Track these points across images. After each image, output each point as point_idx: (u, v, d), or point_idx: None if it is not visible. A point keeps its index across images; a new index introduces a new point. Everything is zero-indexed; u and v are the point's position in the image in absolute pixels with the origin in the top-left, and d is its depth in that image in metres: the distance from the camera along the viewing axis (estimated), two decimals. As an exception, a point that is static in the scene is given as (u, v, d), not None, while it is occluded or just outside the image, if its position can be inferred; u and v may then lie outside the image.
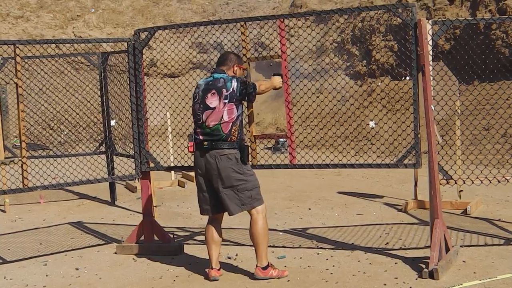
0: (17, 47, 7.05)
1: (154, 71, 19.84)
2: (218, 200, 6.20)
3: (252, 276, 6.22)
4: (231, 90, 6.18)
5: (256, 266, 6.18)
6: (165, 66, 18.76)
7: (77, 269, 6.89)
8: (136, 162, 7.39)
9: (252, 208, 6.18)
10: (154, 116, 8.53)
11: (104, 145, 9.79)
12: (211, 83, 6.26)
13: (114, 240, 7.91)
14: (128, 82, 7.51)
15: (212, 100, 6.17)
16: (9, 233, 8.68)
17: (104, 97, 9.56)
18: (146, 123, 7.43)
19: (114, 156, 9.39)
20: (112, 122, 8.82)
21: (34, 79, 11.74)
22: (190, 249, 7.37)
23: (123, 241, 7.47)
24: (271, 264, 6.22)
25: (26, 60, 10.84)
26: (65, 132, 16.72)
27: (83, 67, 18.04)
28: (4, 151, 10.14)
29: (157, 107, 8.12)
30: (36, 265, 7.09)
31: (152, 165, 7.44)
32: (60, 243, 7.94)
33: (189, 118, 8.84)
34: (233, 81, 6.22)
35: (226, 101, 6.15)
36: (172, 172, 11.69)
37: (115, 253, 7.38)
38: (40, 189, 7.27)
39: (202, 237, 7.85)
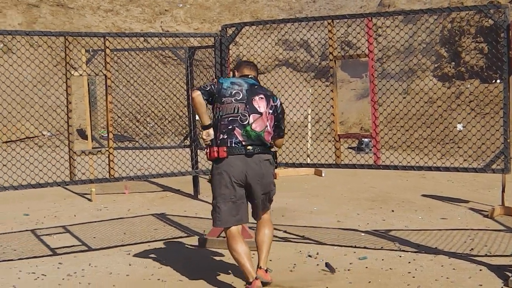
0: (107, 39, 7.19)
1: (240, 67, 19.96)
2: (245, 207, 5.97)
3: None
4: (277, 104, 6.04)
5: (260, 268, 5.95)
6: (250, 62, 18.89)
7: (159, 260, 6.99)
8: (221, 157, 7.43)
9: (267, 211, 6.16)
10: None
11: (189, 139, 9.90)
12: (258, 87, 6.05)
13: (196, 233, 7.99)
14: (214, 77, 7.56)
15: (261, 105, 5.93)
16: (94, 222, 8.86)
17: (190, 91, 9.65)
18: (231, 118, 7.46)
19: (198, 150, 9.49)
20: (198, 117, 8.89)
21: (123, 71, 11.93)
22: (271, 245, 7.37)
23: (205, 235, 7.53)
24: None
25: (115, 53, 11.02)
26: (151, 125, 16.99)
27: (170, 61, 18.28)
28: (92, 141, 10.38)
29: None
30: (119, 254, 7.22)
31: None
32: (144, 234, 8.06)
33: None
34: (276, 98, 6.08)
35: (271, 111, 5.97)
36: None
37: (197, 246, 7.46)
38: (126, 180, 7.40)
39: (284, 234, 7.86)
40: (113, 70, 9.49)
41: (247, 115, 5.84)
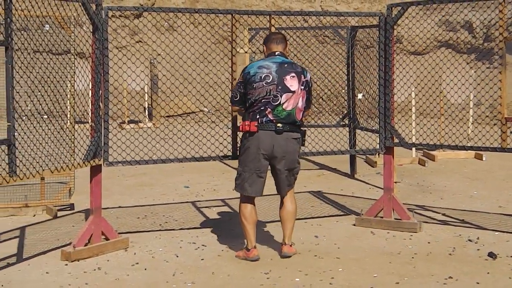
0: (273, 17, 7.26)
1: (398, 47, 19.64)
2: (264, 181, 6.33)
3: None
4: (308, 78, 6.32)
5: (285, 243, 6.34)
6: (408, 43, 18.52)
7: (316, 236, 7.05)
8: (381, 137, 7.39)
9: (291, 188, 6.44)
10: (399, 93, 8.45)
11: (347, 118, 9.86)
12: (287, 66, 6.24)
13: (353, 212, 7.98)
14: (377, 57, 7.48)
15: (292, 83, 6.17)
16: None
17: (350, 71, 9.59)
18: (392, 99, 7.39)
19: (356, 130, 9.44)
20: (359, 96, 8.84)
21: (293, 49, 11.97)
22: (429, 227, 7.27)
23: (362, 214, 7.52)
24: None
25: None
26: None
27: (328, 40, 18.24)
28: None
29: (398, 83, 8.03)
30: (276, 229, 7.31)
31: (396, 140, 7.40)
32: (300, 210, 8.09)
33: (431, 96, 8.70)
34: (306, 72, 6.35)
35: (303, 87, 6.24)
36: (413, 149, 11.54)
37: (354, 225, 7.45)
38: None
39: (442, 217, 7.72)
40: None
41: (279, 95, 6.11)
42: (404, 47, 19.51)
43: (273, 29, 7.10)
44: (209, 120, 16.43)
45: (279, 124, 6.12)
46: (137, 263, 6.22)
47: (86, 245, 6.37)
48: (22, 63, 5.85)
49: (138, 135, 7.25)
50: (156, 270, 6.02)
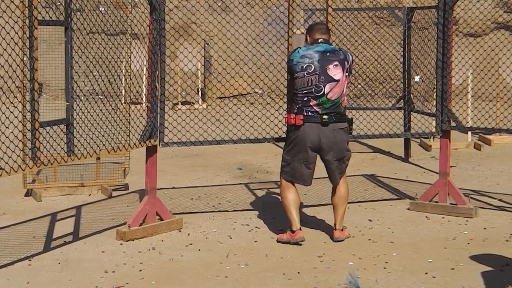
0: (328, -2, 7.19)
1: (456, 29, 19.35)
2: (312, 172, 6.30)
3: None
4: (350, 61, 6.25)
5: (336, 229, 6.33)
6: (467, 24, 18.20)
7: (370, 220, 7.00)
8: (437, 120, 7.28)
9: (344, 174, 6.42)
10: (457, 76, 8.32)
11: (402, 101, 9.76)
12: (330, 54, 6.14)
13: (407, 196, 7.90)
14: (435, 38, 7.36)
15: (336, 72, 6.08)
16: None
17: (407, 53, 9.48)
18: (450, 82, 7.28)
19: (411, 113, 9.33)
20: (416, 78, 8.74)
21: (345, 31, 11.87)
22: (485, 213, 7.16)
23: (416, 198, 7.44)
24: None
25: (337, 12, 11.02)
26: (359, 86, 16.93)
27: (382, 22, 18.05)
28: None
29: (457, 65, 7.90)
30: (330, 212, 7.21)
31: (453, 124, 7.29)
32: (354, 194, 8.07)
33: (490, 78, 8.55)
34: (349, 55, 6.28)
35: (347, 73, 6.18)
36: (469, 133, 11.36)
37: (408, 209, 7.38)
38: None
39: (499, 203, 7.60)
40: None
41: (321, 86, 6.03)
42: (461, 29, 19.21)
43: (330, 10, 7.03)
44: (265, 101, 16.44)
45: (324, 116, 6.06)
46: (191, 244, 6.26)
47: (141, 225, 6.44)
48: (81, 43, 5.91)
49: (194, 116, 7.27)
50: (210, 251, 6.06)
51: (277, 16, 8.46)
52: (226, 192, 8.31)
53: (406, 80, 9.07)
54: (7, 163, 5.23)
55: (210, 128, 7.65)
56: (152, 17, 6.48)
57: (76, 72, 6.01)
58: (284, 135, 6.79)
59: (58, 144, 5.83)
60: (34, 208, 7.63)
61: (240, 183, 8.84)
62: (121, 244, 6.22)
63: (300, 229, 6.22)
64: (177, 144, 6.74)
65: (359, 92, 16.40)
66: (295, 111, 6.14)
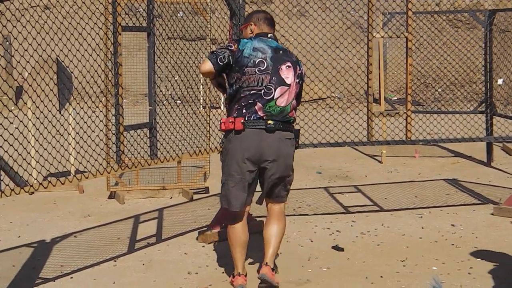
0: (410, 1, 7.13)
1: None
2: (252, 190, 5.19)
3: None
4: (302, 70, 5.26)
5: (266, 264, 5.16)
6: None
7: (452, 225, 6.89)
8: (522, 124, 7.14)
9: (282, 202, 5.36)
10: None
11: (484, 104, 9.59)
12: (282, 52, 5.17)
13: (491, 201, 7.75)
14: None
15: (288, 75, 5.10)
16: (385, 183, 8.94)
17: (488, 56, 9.32)
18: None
19: (493, 117, 9.16)
20: (499, 81, 8.59)
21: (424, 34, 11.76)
22: None
23: (501, 203, 7.29)
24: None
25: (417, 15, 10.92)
26: (440, 90, 16.70)
27: (462, 25, 17.78)
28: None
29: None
30: (411, 216, 7.23)
31: (538, 127, 7.13)
32: (435, 198, 7.99)
33: None
34: (301, 63, 5.28)
35: (297, 80, 5.18)
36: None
37: (492, 214, 7.23)
38: (422, 143, 7.36)
39: None
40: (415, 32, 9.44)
41: (272, 88, 5.02)
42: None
43: (410, 13, 6.96)
44: (345, 105, 16.39)
45: (270, 121, 5.03)
46: (272, 247, 6.27)
47: (222, 228, 6.49)
48: (163, 48, 6.02)
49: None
50: (291, 254, 6.06)
51: (356, 20, 8.43)
52: (306, 196, 8.31)
53: (488, 84, 8.91)
54: (93, 165, 5.37)
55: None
56: (232, 22, 6.55)
57: (159, 77, 6.12)
58: (364, 139, 6.76)
59: (142, 148, 5.94)
60: (117, 210, 7.79)
61: (319, 187, 8.82)
62: (203, 246, 6.30)
63: (246, 274, 5.24)
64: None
65: (439, 95, 16.17)
66: (235, 114, 5.10)
